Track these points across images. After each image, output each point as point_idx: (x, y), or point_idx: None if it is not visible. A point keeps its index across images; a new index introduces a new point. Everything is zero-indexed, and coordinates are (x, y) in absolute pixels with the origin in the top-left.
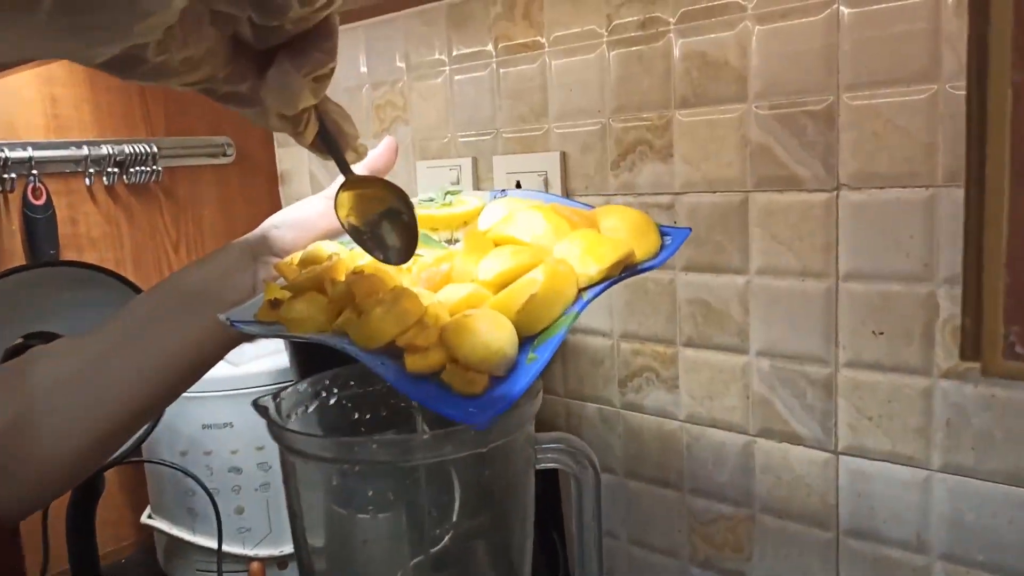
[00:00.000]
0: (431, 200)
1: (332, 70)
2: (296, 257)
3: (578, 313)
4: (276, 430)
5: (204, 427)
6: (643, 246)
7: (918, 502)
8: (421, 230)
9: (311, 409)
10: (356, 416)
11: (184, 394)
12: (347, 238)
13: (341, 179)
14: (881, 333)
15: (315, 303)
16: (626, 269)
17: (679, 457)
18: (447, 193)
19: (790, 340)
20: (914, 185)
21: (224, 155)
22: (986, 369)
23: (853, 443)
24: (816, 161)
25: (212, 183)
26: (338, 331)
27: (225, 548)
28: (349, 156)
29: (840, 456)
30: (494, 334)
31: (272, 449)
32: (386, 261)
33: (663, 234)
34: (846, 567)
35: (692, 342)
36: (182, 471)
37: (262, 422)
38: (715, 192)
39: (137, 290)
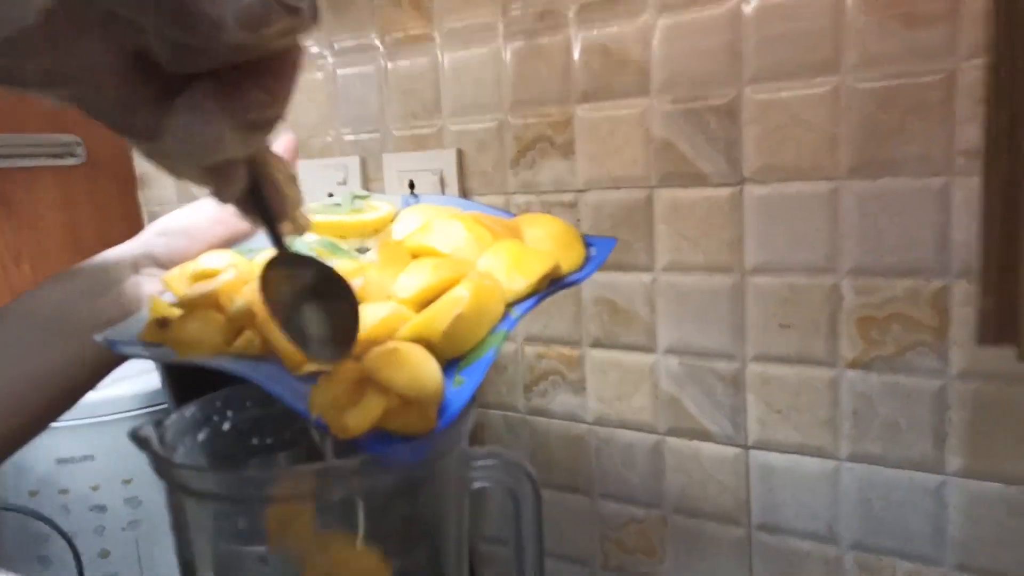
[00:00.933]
0: (337, 205)
1: (276, 118)
2: (187, 269)
3: (507, 332)
4: (163, 466)
5: (59, 462)
6: (569, 258)
7: (828, 493)
8: (328, 238)
9: (201, 437)
10: (255, 441)
11: None
12: (245, 246)
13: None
14: (788, 326)
15: (211, 322)
16: (553, 282)
17: (588, 461)
18: (355, 198)
19: (698, 336)
20: (817, 178)
21: (72, 156)
22: None
23: (763, 437)
24: (720, 156)
25: (56, 187)
26: (239, 354)
27: None
28: (285, 227)
29: (750, 451)
30: (433, 363)
31: (141, 482)
32: (312, 356)
33: (588, 244)
34: (759, 563)
35: (599, 342)
36: (31, 514)
37: (127, 453)
38: (619, 189)
39: None
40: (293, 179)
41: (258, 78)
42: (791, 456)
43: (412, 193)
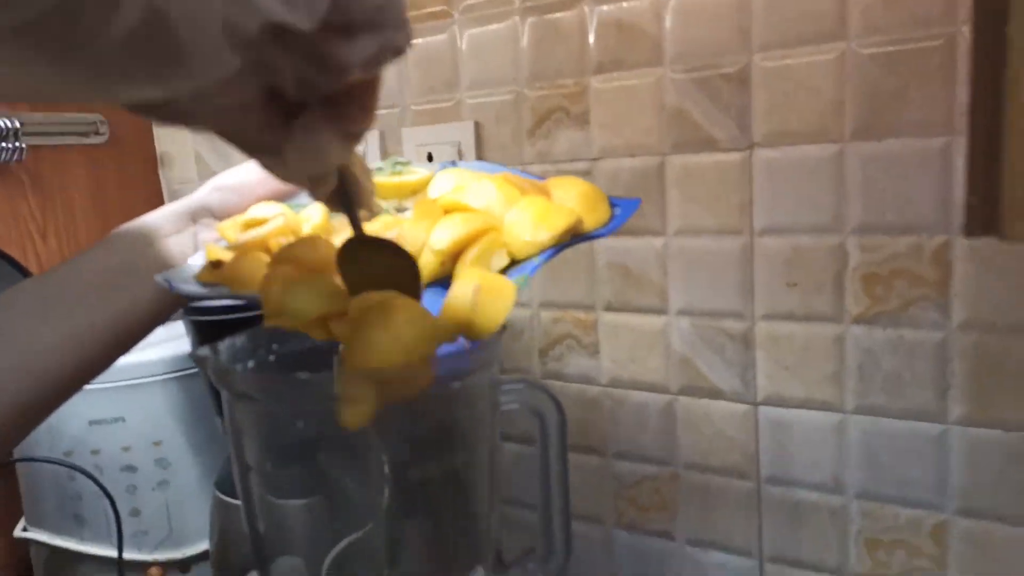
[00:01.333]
0: (379, 170)
1: (368, 127)
2: (239, 219)
3: (528, 277)
4: (223, 375)
5: (91, 423)
6: (593, 216)
7: (834, 445)
8: None
9: (250, 365)
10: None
11: None
12: (292, 201)
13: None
14: (795, 285)
15: (258, 262)
16: (576, 236)
17: (602, 422)
18: (396, 163)
19: (708, 298)
20: (824, 141)
21: (97, 134)
22: (1011, 232)
23: (771, 393)
24: (731, 122)
25: (83, 165)
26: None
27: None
28: (362, 214)
29: (759, 407)
30: (411, 329)
31: (170, 444)
32: None
33: (613, 205)
34: (768, 515)
35: (612, 306)
36: (71, 466)
37: (157, 415)
38: (633, 156)
39: (19, 267)
40: (368, 172)
41: (356, 97)
42: (798, 411)
43: (452, 161)
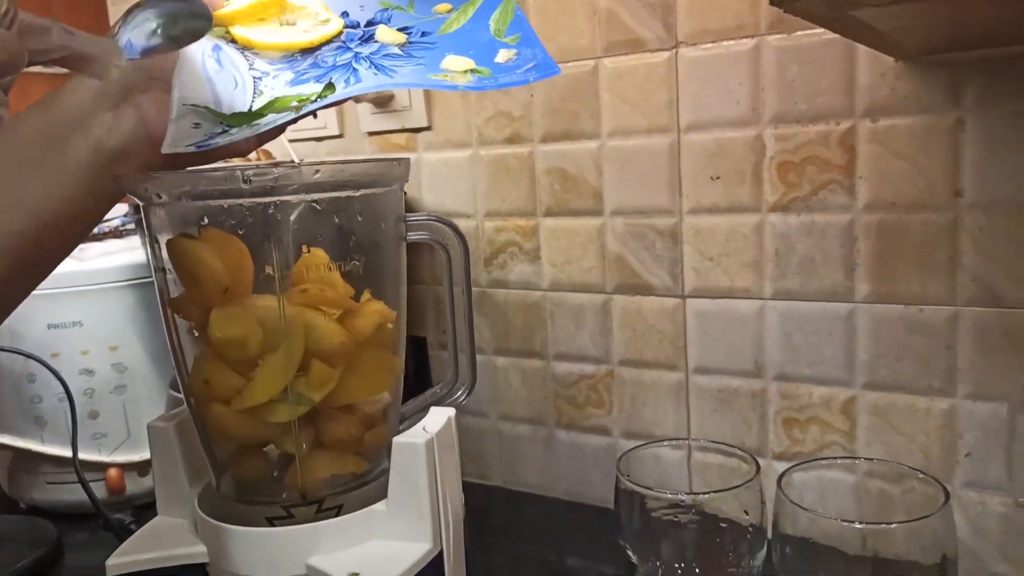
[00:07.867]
0: None
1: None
2: None
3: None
4: (133, 181)
5: (50, 327)
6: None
7: (754, 331)
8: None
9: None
10: None
11: None
12: None
13: None
14: (718, 178)
15: None
16: None
17: (543, 326)
18: None
19: (640, 196)
20: (741, 36)
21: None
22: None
23: (698, 285)
24: (657, 22)
25: (44, 92)
26: None
27: (80, 456)
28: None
29: (687, 300)
30: None
31: (127, 349)
32: None
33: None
34: (695, 402)
35: (551, 211)
36: (28, 355)
37: (115, 319)
38: (568, 62)
39: None
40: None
41: None
42: (722, 300)
43: None
